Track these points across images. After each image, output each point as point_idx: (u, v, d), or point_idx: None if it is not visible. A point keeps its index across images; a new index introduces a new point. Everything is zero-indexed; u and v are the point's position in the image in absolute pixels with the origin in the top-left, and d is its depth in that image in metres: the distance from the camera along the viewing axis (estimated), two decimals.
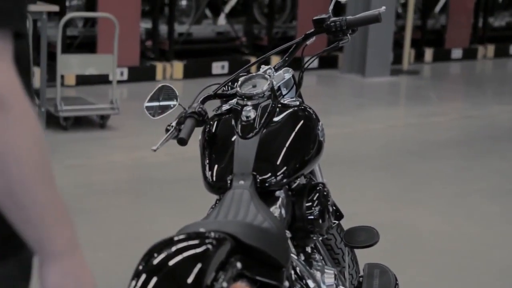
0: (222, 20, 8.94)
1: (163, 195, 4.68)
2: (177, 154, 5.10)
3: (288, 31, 9.25)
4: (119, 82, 6.83)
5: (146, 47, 8.19)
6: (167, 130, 2.20)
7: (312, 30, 2.39)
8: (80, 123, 6.02)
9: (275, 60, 7.46)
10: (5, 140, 1.04)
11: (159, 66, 8.00)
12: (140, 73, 7.82)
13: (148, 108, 2.29)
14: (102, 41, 7.31)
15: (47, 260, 1.12)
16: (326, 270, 2.21)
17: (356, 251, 2.66)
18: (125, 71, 7.67)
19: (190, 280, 1.50)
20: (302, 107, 2.27)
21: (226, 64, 8.39)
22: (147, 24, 8.19)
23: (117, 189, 4.83)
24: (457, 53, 10.13)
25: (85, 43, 7.67)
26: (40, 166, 1.08)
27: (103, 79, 7.04)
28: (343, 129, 6.30)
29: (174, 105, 2.29)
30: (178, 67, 8.13)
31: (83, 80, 7.20)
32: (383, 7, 2.38)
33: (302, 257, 2.18)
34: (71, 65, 6.00)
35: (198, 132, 2.26)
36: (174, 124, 2.19)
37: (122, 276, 3.43)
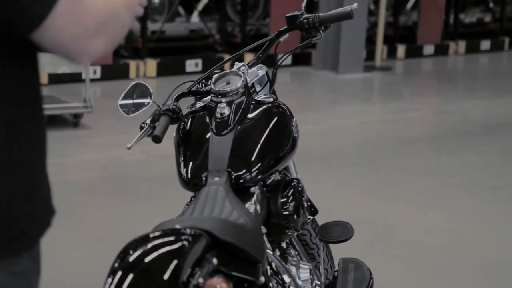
0: (195, 17, 8.93)
1: (138, 193, 4.67)
2: (152, 151, 5.09)
3: (261, 28, 9.26)
4: (92, 80, 6.80)
5: (119, 45, 8.14)
6: (141, 128, 2.20)
7: (285, 27, 2.40)
8: (53, 122, 5.98)
9: (249, 57, 7.48)
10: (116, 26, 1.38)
11: (132, 64, 7.98)
12: (113, 71, 7.79)
13: (122, 106, 2.29)
14: None
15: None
16: (301, 265, 2.22)
17: (333, 246, 2.67)
18: (98, 69, 7.64)
19: (166, 276, 1.50)
20: (276, 104, 2.28)
21: (199, 61, 8.38)
22: None
23: (92, 188, 4.81)
24: (429, 49, 10.20)
25: None
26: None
27: (75, 78, 6.99)
28: (318, 126, 6.33)
29: (148, 103, 2.29)
30: (151, 65, 8.11)
31: (55, 79, 7.15)
32: (355, 4, 2.39)
33: (278, 253, 2.19)
34: (44, 63, 5.95)
35: (172, 130, 2.26)
36: (148, 121, 2.19)
37: (99, 274, 3.42)
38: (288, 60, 8.66)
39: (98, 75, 7.62)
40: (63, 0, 1.26)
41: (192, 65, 8.34)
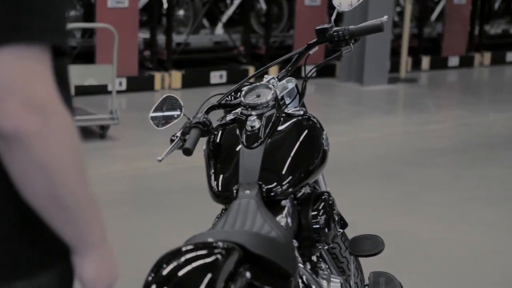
0: (219, 29, 8.96)
1: (163, 205, 4.68)
2: (178, 163, 5.11)
3: (286, 40, 9.28)
4: (117, 92, 6.83)
5: (144, 57, 8.20)
6: (171, 141, 2.21)
7: (315, 39, 2.40)
8: (80, 133, 5.99)
9: (273, 70, 7.48)
10: (50, 150, 1.13)
11: (157, 76, 8.01)
12: (139, 83, 7.83)
13: (153, 118, 2.29)
14: (100, 51, 7.32)
15: (86, 251, 1.24)
16: (332, 279, 2.21)
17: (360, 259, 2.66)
18: (124, 81, 7.68)
19: None
20: (306, 117, 2.28)
21: (224, 73, 8.40)
22: (145, 34, 8.20)
23: (117, 200, 4.82)
24: (453, 61, 10.16)
25: (82, 54, 7.69)
26: (80, 169, 1.19)
27: (101, 89, 7.05)
28: (342, 138, 6.31)
29: (178, 115, 2.29)
30: (176, 76, 8.15)
31: (81, 91, 7.20)
32: (385, 17, 2.39)
33: (308, 266, 2.18)
34: (70, 75, 5.99)
35: (201, 142, 2.27)
36: (179, 134, 2.20)
37: (123, 286, 3.42)
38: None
39: (123, 87, 7.66)
40: (18, 50, 1.09)
41: (217, 77, 8.36)
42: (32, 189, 1.15)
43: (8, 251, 1.22)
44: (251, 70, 8.46)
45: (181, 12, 8.75)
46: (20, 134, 1.10)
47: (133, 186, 5.20)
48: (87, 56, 7.57)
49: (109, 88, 6.47)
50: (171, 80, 8.10)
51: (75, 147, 1.18)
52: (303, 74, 2.42)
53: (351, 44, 2.39)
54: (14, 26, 1.10)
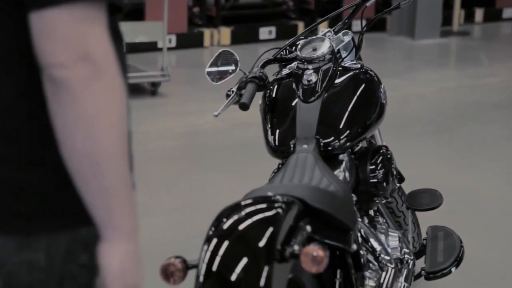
0: None
1: (216, 161, 4.70)
2: (230, 119, 5.11)
3: None
4: (167, 49, 6.84)
5: (194, 14, 8.17)
6: (227, 96, 2.20)
7: None
8: (132, 90, 6.02)
9: (323, 25, 7.39)
10: (97, 105, 1.10)
11: (206, 32, 7.99)
12: (188, 40, 7.82)
13: (208, 73, 2.29)
14: (150, 8, 7.32)
15: (113, 236, 1.16)
16: (390, 233, 2.20)
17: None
18: (173, 38, 7.67)
19: (262, 243, 1.50)
20: (364, 70, 2.25)
21: (273, 29, 8.34)
22: None
23: (170, 156, 4.86)
24: (508, 12, 9.90)
25: (133, 11, 7.68)
26: (123, 139, 1.14)
27: (150, 47, 7.04)
28: (394, 93, 6.21)
29: (234, 71, 2.28)
30: (225, 33, 8.11)
31: (132, 48, 7.21)
32: None
33: (366, 220, 2.17)
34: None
35: (257, 97, 2.25)
36: (235, 89, 2.19)
37: (178, 241, 3.46)
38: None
39: (173, 44, 7.65)
40: (78, 7, 1.11)
41: (266, 32, 8.30)
42: (71, 143, 1.12)
43: (51, 202, 1.20)
44: (301, 26, 8.38)
45: None
46: (72, 81, 1.09)
47: (186, 142, 5.23)
48: (137, 13, 7.57)
49: (159, 45, 6.47)
50: (220, 37, 8.07)
51: (121, 111, 1.13)
52: (354, 28, 2.38)
53: None
54: None
